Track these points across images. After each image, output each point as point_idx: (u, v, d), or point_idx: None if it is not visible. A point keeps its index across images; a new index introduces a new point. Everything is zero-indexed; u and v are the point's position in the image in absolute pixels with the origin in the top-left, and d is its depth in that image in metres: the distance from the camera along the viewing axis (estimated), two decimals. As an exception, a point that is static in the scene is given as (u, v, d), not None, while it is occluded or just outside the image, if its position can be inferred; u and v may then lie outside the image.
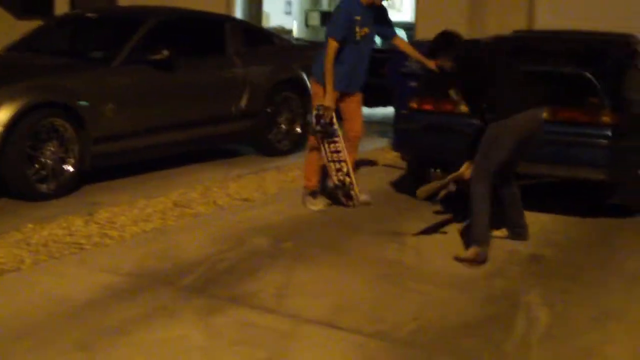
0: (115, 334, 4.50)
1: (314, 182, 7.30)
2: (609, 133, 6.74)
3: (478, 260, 5.82)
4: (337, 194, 7.32)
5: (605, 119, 6.76)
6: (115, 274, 5.40)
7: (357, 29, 6.99)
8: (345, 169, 7.17)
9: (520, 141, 5.93)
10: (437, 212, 7.12)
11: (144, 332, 4.55)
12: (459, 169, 6.27)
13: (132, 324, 4.63)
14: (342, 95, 7.15)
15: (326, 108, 6.98)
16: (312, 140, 7.27)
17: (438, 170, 7.36)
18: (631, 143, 6.96)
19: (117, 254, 5.85)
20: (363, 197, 7.32)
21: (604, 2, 11.07)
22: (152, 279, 5.32)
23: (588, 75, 6.91)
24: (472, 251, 5.87)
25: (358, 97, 7.31)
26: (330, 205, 7.30)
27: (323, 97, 7.03)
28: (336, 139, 7.16)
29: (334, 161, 7.19)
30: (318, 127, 7.04)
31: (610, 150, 6.75)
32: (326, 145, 7.17)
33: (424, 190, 6.49)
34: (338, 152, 7.17)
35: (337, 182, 7.24)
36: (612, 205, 7.18)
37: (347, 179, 7.19)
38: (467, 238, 6.08)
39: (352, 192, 7.23)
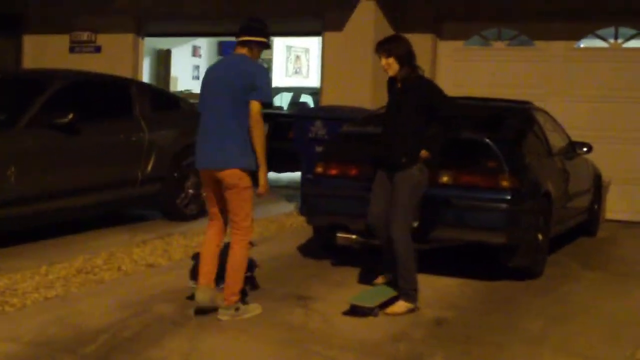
0: (14, 406, 4.38)
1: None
2: (508, 197, 6.95)
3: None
4: None
5: (504, 183, 6.96)
6: (15, 343, 5.26)
7: None
8: None
9: None
10: (343, 275, 7.19)
11: (43, 403, 4.44)
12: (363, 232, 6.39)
13: (31, 395, 4.51)
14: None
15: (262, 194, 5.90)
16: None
17: (344, 234, 7.41)
18: (529, 206, 7.18)
19: (18, 321, 5.70)
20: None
21: (503, 71, 11.46)
22: (53, 348, 5.19)
23: (487, 140, 7.13)
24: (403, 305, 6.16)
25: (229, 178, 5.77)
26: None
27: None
28: None
29: None
30: None
31: (509, 213, 6.94)
32: None
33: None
34: None
35: None
36: (513, 268, 7.34)
37: None
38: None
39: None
